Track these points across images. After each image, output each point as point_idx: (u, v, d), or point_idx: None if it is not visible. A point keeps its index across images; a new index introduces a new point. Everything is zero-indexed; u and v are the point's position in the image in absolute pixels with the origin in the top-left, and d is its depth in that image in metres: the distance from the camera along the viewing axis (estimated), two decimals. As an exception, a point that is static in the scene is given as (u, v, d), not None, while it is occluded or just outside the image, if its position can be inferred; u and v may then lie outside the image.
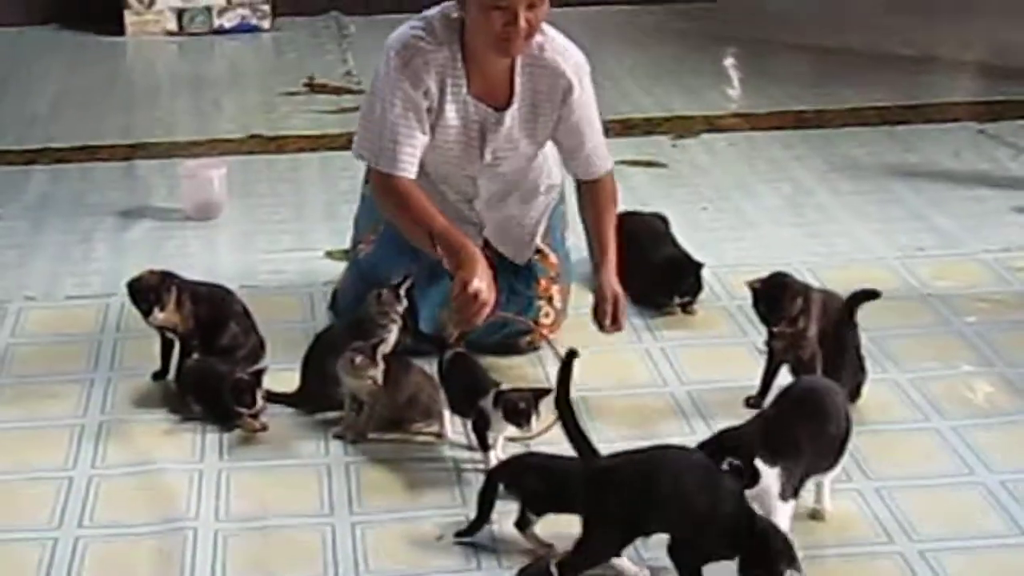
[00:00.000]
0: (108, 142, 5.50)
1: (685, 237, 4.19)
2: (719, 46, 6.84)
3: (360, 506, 3.06)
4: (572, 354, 2.84)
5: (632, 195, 4.58)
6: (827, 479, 2.95)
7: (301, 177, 5.12)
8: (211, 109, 5.97)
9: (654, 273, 3.93)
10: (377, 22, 6.68)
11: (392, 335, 3.47)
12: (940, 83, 6.20)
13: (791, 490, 2.80)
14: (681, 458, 2.71)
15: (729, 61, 6.71)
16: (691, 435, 3.22)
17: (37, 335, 3.88)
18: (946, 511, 3.00)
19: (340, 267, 4.05)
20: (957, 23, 7.05)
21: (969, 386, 3.52)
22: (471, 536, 2.91)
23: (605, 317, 3.54)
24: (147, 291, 3.50)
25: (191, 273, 3.73)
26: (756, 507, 2.72)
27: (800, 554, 2.61)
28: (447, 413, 3.30)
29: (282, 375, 3.47)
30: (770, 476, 2.75)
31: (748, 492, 2.73)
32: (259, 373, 3.38)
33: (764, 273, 3.42)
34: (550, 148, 3.74)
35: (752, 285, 3.38)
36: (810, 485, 2.91)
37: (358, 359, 3.23)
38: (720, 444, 2.76)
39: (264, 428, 3.34)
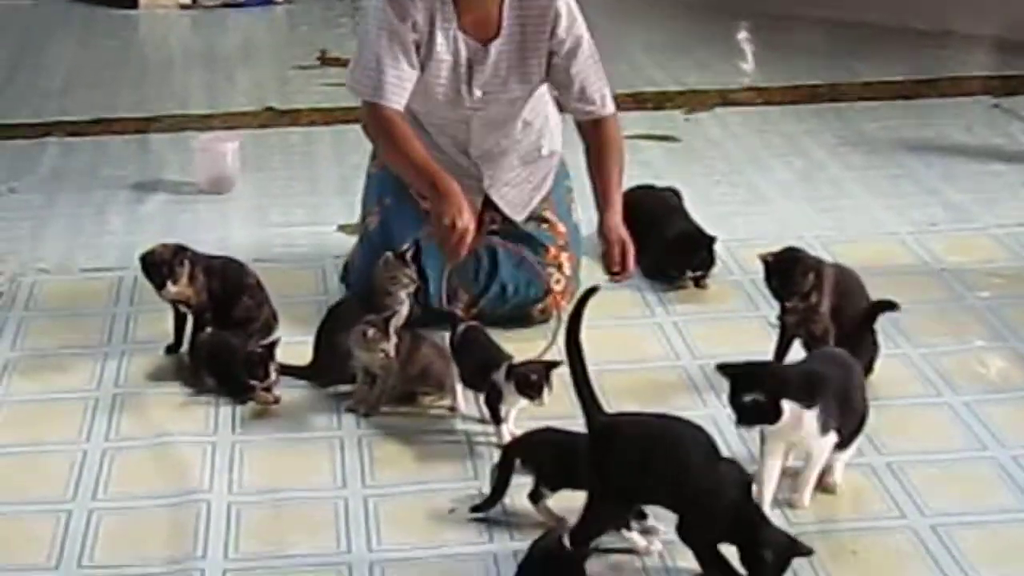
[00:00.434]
0: (121, 115, 5.51)
1: (698, 211, 4.18)
2: (733, 20, 6.82)
3: (372, 479, 3.07)
4: (591, 290, 2.82)
5: (645, 169, 4.57)
6: (842, 458, 2.94)
7: (314, 151, 5.13)
8: (224, 83, 5.97)
9: (667, 247, 3.92)
10: (390, -5, 6.66)
11: (404, 307, 3.47)
12: (955, 57, 6.17)
13: (831, 424, 2.81)
14: (686, 433, 2.66)
15: (743, 35, 6.69)
16: (703, 409, 3.23)
17: (51, 308, 3.89)
18: (958, 486, 3.00)
19: (352, 240, 4.05)
20: (972, -3, 7.03)
21: (982, 361, 3.52)
22: (485, 511, 2.91)
23: (614, 262, 3.52)
24: (160, 264, 3.51)
25: (204, 247, 3.74)
26: (800, 451, 2.80)
27: (812, 528, 2.60)
28: (459, 386, 3.30)
29: (295, 348, 3.47)
30: (809, 417, 2.77)
31: (791, 437, 2.76)
32: (272, 346, 3.38)
33: (777, 247, 3.41)
34: (552, 113, 3.75)
35: (764, 259, 3.36)
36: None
37: (371, 332, 3.24)
38: (749, 375, 2.76)
39: (277, 401, 3.35)
